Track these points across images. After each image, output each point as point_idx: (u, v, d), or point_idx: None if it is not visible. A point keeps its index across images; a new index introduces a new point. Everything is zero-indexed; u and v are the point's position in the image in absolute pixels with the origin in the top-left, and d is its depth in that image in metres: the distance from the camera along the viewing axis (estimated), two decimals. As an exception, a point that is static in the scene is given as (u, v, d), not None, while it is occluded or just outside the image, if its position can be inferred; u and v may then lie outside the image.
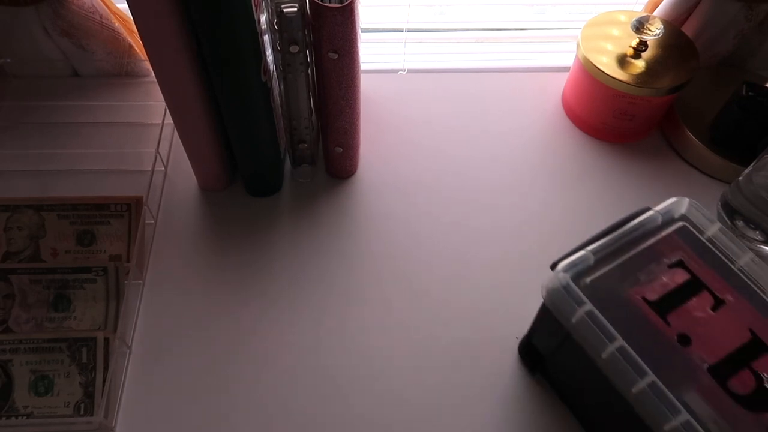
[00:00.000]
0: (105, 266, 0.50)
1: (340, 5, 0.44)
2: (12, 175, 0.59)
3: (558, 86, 0.68)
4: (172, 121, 0.52)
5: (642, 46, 0.59)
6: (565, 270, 0.40)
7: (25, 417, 0.45)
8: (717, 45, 0.64)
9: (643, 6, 0.69)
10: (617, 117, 0.61)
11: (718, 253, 0.43)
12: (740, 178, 0.56)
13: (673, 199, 0.44)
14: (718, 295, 0.41)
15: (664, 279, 0.41)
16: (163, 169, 0.60)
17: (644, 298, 0.40)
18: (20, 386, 0.46)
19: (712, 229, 0.44)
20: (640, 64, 0.59)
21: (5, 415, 0.45)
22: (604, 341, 0.38)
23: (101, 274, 0.50)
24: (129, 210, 0.54)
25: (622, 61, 0.59)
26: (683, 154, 0.63)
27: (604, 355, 0.37)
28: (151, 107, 0.64)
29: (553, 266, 0.41)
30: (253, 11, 0.43)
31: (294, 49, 0.47)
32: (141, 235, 0.53)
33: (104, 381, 0.46)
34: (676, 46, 0.61)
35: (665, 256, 0.42)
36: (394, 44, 0.72)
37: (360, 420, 0.47)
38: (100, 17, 0.61)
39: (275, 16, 0.45)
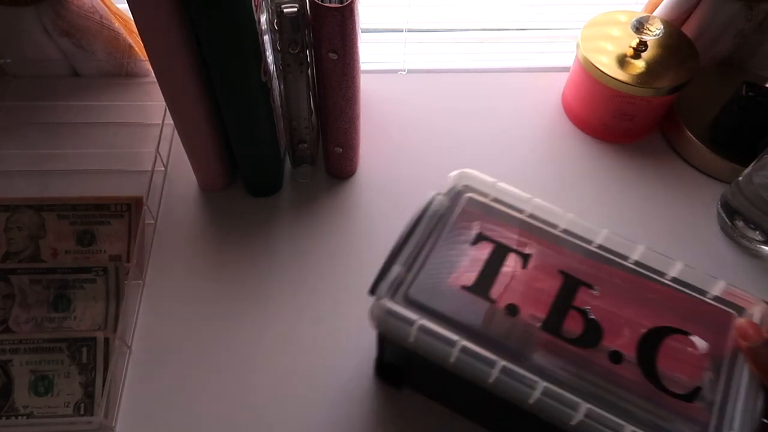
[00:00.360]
0: (105, 266, 0.50)
1: (340, 5, 0.44)
2: (12, 175, 0.59)
3: (558, 86, 0.68)
4: (172, 121, 0.52)
5: (642, 46, 0.59)
6: (385, 294, 0.39)
7: (25, 417, 0.45)
8: (717, 45, 0.64)
9: (643, 6, 0.69)
10: (617, 117, 0.61)
11: (508, 210, 0.43)
12: (740, 178, 0.56)
13: (452, 174, 0.45)
14: (522, 250, 0.42)
15: (473, 257, 0.41)
16: (163, 169, 0.60)
17: (463, 286, 0.40)
18: (20, 386, 0.46)
19: (493, 188, 0.44)
20: (640, 64, 0.59)
21: (5, 415, 0.45)
22: (446, 348, 0.37)
23: (101, 274, 0.50)
24: (129, 210, 0.54)
25: (622, 61, 0.59)
26: (683, 154, 0.63)
27: (452, 360, 0.37)
28: (151, 107, 0.64)
29: (372, 291, 0.40)
30: (253, 11, 0.43)
31: (294, 49, 0.47)
32: (141, 235, 0.53)
33: (104, 381, 0.46)
34: (676, 46, 0.61)
35: (465, 234, 0.42)
36: (394, 44, 0.72)
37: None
38: (100, 17, 0.61)
39: (275, 16, 0.45)
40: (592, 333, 0.39)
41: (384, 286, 0.39)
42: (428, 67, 0.71)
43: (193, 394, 0.48)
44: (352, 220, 0.57)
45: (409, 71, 0.70)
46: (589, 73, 0.60)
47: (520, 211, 0.43)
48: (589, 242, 0.42)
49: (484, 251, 0.42)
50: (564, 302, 0.40)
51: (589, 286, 0.41)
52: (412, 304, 0.39)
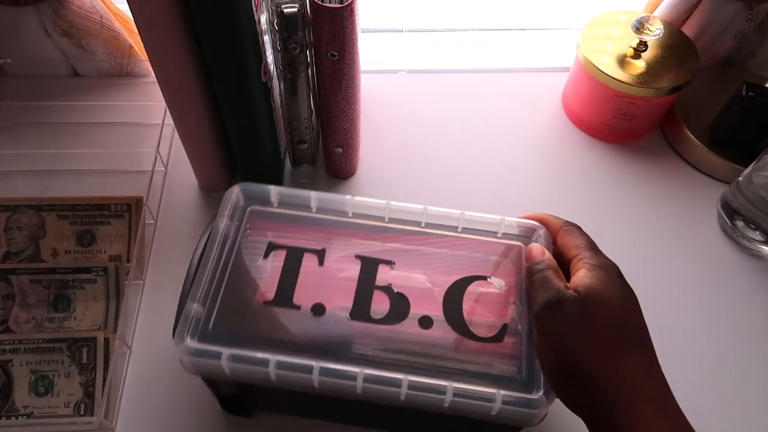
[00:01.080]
0: (105, 266, 0.50)
1: (340, 5, 0.44)
2: (12, 175, 0.59)
3: (558, 86, 0.68)
4: (172, 121, 0.52)
5: (642, 46, 0.59)
6: (186, 335, 0.38)
7: (25, 417, 0.45)
8: (717, 45, 0.64)
9: (643, 6, 0.69)
10: (617, 117, 0.61)
11: (294, 211, 0.44)
12: (740, 178, 0.56)
13: (230, 191, 0.44)
14: (316, 247, 0.42)
15: (270, 269, 0.41)
16: (163, 169, 0.60)
17: (265, 302, 0.40)
18: (20, 386, 0.46)
19: (274, 192, 0.44)
20: (640, 64, 0.59)
21: (5, 415, 0.45)
22: (262, 369, 0.37)
23: (101, 274, 0.50)
24: (129, 210, 0.54)
25: (622, 61, 0.59)
26: (683, 154, 0.63)
27: (273, 378, 0.37)
28: (151, 107, 0.64)
29: (174, 333, 0.38)
30: (253, 11, 0.43)
31: (294, 49, 0.47)
32: (141, 236, 0.53)
33: (104, 381, 0.46)
34: (676, 46, 0.61)
35: (258, 249, 0.42)
36: (394, 44, 0.72)
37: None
38: (100, 17, 0.61)
39: (275, 16, 0.45)
40: (400, 306, 0.40)
41: (183, 327, 0.38)
42: (428, 67, 0.71)
43: (192, 394, 0.48)
44: (352, 220, 0.57)
45: (409, 71, 0.70)
46: (589, 73, 0.60)
47: (307, 208, 0.44)
48: (381, 219, 0.43)
49: (279, 260, 0.42)
50: (367, 285, 0.41)
51: (388, 263, 0.41)
52: (217, 336, 0.38)
